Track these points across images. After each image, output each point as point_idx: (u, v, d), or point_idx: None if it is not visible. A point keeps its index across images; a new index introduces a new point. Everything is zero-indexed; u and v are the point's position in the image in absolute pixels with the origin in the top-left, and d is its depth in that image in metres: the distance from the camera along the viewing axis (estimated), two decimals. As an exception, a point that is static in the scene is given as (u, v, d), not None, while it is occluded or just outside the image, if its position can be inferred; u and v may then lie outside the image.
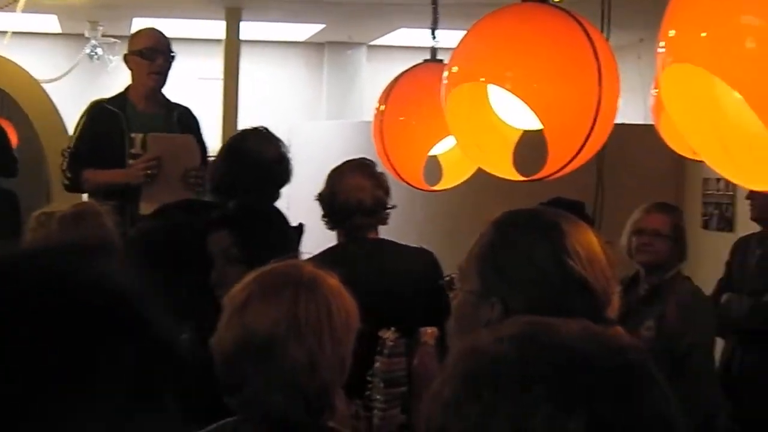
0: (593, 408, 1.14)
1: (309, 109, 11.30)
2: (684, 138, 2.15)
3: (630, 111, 6.47)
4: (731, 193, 7.51)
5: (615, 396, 1.16)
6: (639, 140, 6.73)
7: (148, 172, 5.19)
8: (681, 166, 7.72)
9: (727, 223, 7.77)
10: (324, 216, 4.10)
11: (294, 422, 2.28)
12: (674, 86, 2.10)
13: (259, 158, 4.25)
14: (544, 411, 1.14)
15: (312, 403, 2.28)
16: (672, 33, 2.03)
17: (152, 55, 5.51)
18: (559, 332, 1.21)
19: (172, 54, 5.58)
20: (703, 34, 1.97)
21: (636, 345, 1.24)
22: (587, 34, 3.03)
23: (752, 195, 5.49)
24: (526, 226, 2.00)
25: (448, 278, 2.09)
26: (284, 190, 4.35)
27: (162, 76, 5.53)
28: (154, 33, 5.66)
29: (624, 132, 7.46)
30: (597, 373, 1.17)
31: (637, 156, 7.29)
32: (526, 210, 2.05)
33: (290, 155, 4.34)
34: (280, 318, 2.27)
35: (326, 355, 2.27)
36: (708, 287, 5.60)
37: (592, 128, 2.99)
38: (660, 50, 2.04)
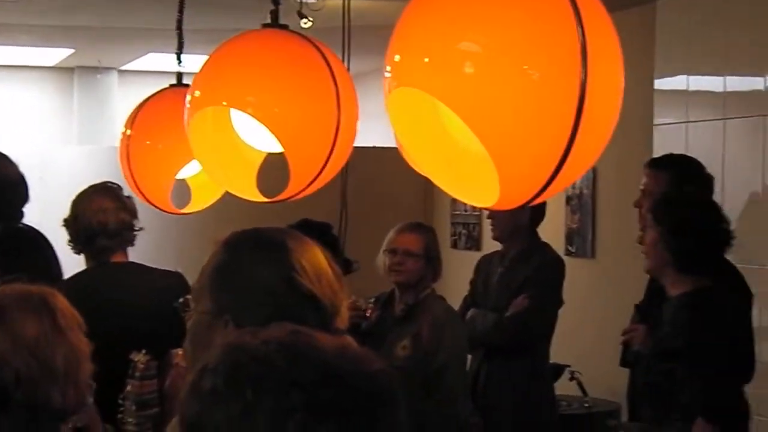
0: (341, 422, 1.21)
1: (61, 134, 11.12)
2: (410, 158, 2.24)
3: (377, 135, 6.63)
4: (477, 213, 7.77)
5: (362, 414, 1.23)
6: (389, 162, 6.89)
7: None
8: (430, 187, 7.94)
9: (474, 242, 8.03)
10: (70, 241, 4.07)
11: None
12: (401, 109, 2.19)
13: (5, 179, 4.19)
14: (298, 417, 1.20)
15: None
16: (397, 58, 2.13)
17: None
18: (322, 346, 1.28)
19: None
20: (426, 59, 2.07)
21: (387, 370, 1.31)
22: (326, 60, 3.13)
23: (492, 215, 5.67)
24: (253, 245, 2.05)
25: (182, 300, 2.12)
26: (35, 217, 4.29)
27: None
28: None
29: (373, 155, 7.67)
30: (350, 391, 1.24)
31: (387, 177, 7.45)
32: (253, 229, 2.11)
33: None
34: None
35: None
36: (457, 304, 5.78)
37: (331, 150, 3.08)
38: (386, 74, 2.13)
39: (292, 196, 3.19)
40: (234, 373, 1.25)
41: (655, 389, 4.03)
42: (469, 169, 2.16)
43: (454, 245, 8.27)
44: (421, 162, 2.25)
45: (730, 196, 5.54)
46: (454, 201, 7.99)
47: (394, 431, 1.25)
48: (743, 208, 5.58)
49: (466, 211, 8.15)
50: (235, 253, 2.03)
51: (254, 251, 2.03)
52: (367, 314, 5.07)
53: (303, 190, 3.16)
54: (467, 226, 8.15)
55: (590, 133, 2.01)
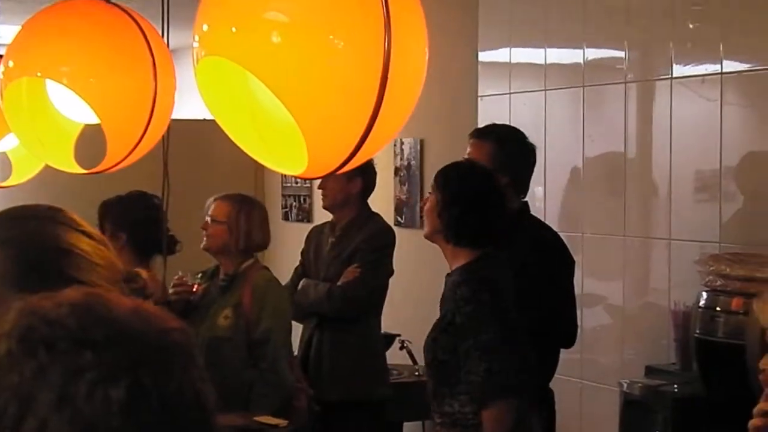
0: (135, 379, 1.23)
1: None
2: (223, 128, 2.26)
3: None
4: (308, 185, 7.80)
5: (157, 370, 1.25)
6: (220, 136, 6.87)
7: None
8: (262, 160, 7.93)
9: (305, 215, 8.06)
10: None
11: None
12: (210, 79, 2.20)
13: None
14: (89, 376, 1.22)
15: None
16: (205, 27, 2.14)
17: None
18: (115, 307, 1.30)
19: None
20: (233, 29, 2.09)
21: (182, 328, 1.33)
22: (142, 31, 3.11)
23: (323, 185, 5.72)
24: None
25: None
26: None
27: None
28: None
29: (203, 127, 7.61)
30: (142, 348, 1.26)
31: (217, 151, 7.42)
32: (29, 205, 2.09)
33: None
34: None
35: None
36: (289, 276, 5.82)
37: (149, 122, 3.07)
38: (194, 44, 2.14)
39: (110, 168, 3.17)
40: (27, 335, 1.26)
41: (441, 364, 4.08)
42: (279, 137, 2.19)
43: (286, 217, 8.29)
44: (232, 131, 2.26)
45: (552, 165, 5.68)
46: (285, 174, 8.00)
47: (189, 387, 1.27)
48: (564, 177, 5.73)
49: (297, 183, 8.17)
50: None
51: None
52: (194, 289, 5.08)
53: (121, 161, 3.14)
54: (298, 198, 8.18)
55: (395, 102, 2.05)
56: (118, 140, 3.10)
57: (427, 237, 4.22)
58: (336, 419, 5.61)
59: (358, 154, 2.07)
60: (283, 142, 2.20)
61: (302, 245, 5.97)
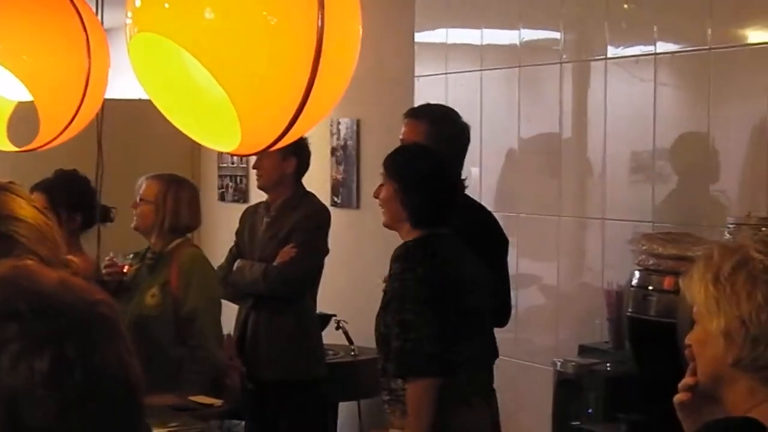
0: (60, 350, 1.22)
1: None
2: (156, 105, 2.25)
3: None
4: (245, 165, 7.78)
5: (81, 342, 1.25)
6: (156, 115, 6.83)
7: None
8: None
9: (242, 195, 8.03)
10: None
11: None
12: (143, 56, 2.19)
13: None
14: (13, 348, 1.22)
15: None
16: (138, 3, 2.13)
17: None
18: (40, 279, 1.29)
19: None
20: (166, 5, 2.08)
21: (108, 301, 1.33)
22: (76, 9, 3.09)
23: (258, 164, 5.71)
24: None
25: None
26: None
27: None
28: None
29: (140, 107, 7.55)
30: (66, 320, 1.25)
31: (153, 131, 7.37)
32: None
33: None
34: None
35: None
36: (224, 257, 5.81)
37: (82, 99, 3.06)
38: (127, 21, 2.13)
39: (43, 145, 3.16)
40: None
41: (383, 339, 4.12)
42: (212, 114, 2.18)
43: (222, 198, 8.27)
44: (165, 107, 2.25)
45: (488, 145, 5.71)
46: (221, 154, 7.97)
47: (114, 360, 1.27)
48: (500, 157, 5.75)
49: (233, 163, 8.14)
50: None
51: None
52: (125, 270, 5.06)
53: (54, 139, 3.13)
54: (234, 178, 8.15)
55: (328, 80, 2.05)
56: (51, 118, 3.08)
57: (387, 226, 4.22)
58: (271, 399, 5.62)
59: (291, 131, 2.08)
60: (217, 119, 2.19)
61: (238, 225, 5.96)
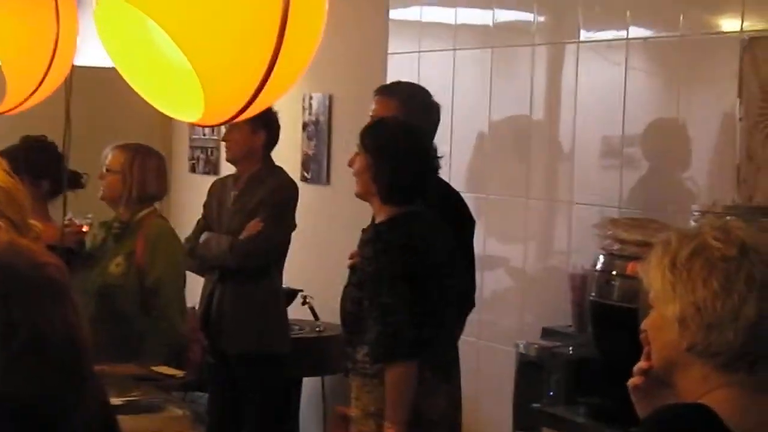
0: (5, 311, 1.23)
1: None
2: (121, 72, 2.23)
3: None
4: (216, 137, 7.75)
5: (28, 302, 1.25)
6: (128, 85, 6.77)
7: None
8: (170, 111, 7.85)
9: (212, 167, 8.01)
10: None
11: None
12: (109, 23, 2.18)
13: None
14: None
15: None
16: (104, -30, 2.11)
17: None
18: None
19: None
20: (132, -27, 2.07)
21: (56, 263, 1.33)
22: (45, -28, 3.07)
23: (227, 137, 5.70)
24: None
25: None
26: None
27: None
28: None
29: (111, 76, 7.47)
30: (14, 281, 1.26)
31: (125, 100, 7.32)
32: None
33: None
34: None
35: None
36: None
37: (50, 64, 3.04)
38: (94, -12, 2.12)
39: (10, 110, 3.14)
40: None
41: (350, 316, 4.13)
42: (177, 84, 2.17)
43: (193, 169, 8.24)
44: (130, 76, 2.24)
45: (459, 126, 5.71)
46: (193, 126, 7.94)
47: (60, 321, 1.27)
48: (470, 138, 5.75)
49: (204, 135, 8.12)
50: None
51: None
52: (83, 229, 5.04)
53: (21, 104, 3.11)
54: (205, 150, 8.13)
55: (294, 50, 2.04)
56: (19, 82, 3.07)
57: (359, 196, 4.23)
58: (236, 372, 5.63)
59: (256, 102, 2.07)
60: (182, 89, 2.18)
61: (207, 198, 5.95)
